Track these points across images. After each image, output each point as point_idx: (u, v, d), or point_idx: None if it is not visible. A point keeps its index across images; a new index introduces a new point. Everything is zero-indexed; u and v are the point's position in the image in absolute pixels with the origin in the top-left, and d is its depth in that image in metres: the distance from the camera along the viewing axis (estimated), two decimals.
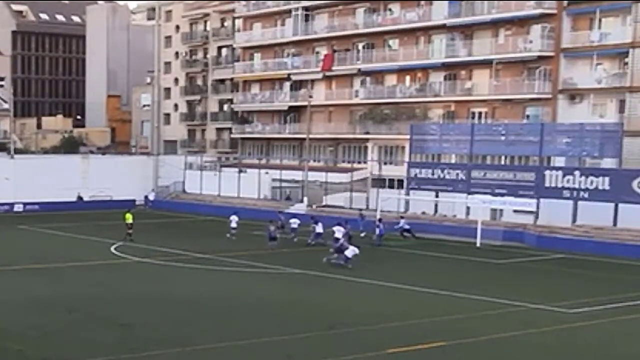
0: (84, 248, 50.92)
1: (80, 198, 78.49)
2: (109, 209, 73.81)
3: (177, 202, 79.55)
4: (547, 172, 56.60)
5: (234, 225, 55.24)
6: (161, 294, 35.16)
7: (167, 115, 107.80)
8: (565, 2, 65.08)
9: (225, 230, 55.88)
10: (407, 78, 77.28)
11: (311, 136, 75.08)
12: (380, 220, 54.80)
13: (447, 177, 61.93)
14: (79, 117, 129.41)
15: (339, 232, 48.20)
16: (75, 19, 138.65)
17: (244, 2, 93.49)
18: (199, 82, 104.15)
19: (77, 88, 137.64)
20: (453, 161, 65.64)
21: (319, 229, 53.33)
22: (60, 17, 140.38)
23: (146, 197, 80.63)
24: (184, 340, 26.37)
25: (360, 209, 62.34)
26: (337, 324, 29.29)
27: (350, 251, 42.30)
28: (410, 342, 26.60)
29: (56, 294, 34.88)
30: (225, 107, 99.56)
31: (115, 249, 49.30)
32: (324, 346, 26.39)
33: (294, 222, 55.35)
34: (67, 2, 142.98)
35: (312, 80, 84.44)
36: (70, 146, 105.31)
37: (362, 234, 55.73)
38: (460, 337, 27.46)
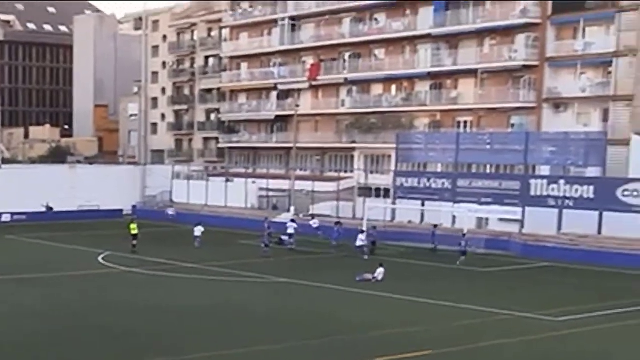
0: (72, 258, 50.94)
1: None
2: (97, 218, 74.19)
3: (164, 211, 79.29)
4: (532, 181, 56.94)
5: (197, 234, 56.62)
6: (151, 303, 35.22)
7: (155, 124, 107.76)
8: (550, 11, 65.59)
9: (208, 239, 56.74)
10: (393, 87, 77.63)
11: (298, 145, 75.22)
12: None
13: (433, 186, 62.26)
14: (66, 126, 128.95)
15: (360, 240, 51.47)
16: (63, 28, 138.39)
17: (230, 12, 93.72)
18: (186, 91, 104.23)
19: (64, 98, 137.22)
20: (439, 170, 65.95)
21: (291, 229, 55.73)
22: (47, 27, 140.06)
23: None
24: (176, 350, 26.55)
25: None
26: (326, 332, 29.49)
27: (379, 273, 42.04)
28: (398, 351, 26.80)
29: (45, 304, 34.99)
30: (212, 116, 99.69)
31: (102, 258, 49.35)
32: (312, 355, 26.63)
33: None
34: (54, 12, 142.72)
35: (299, 90, 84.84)
36: (57, 156, 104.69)
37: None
38: (447, 346, 27.65)
